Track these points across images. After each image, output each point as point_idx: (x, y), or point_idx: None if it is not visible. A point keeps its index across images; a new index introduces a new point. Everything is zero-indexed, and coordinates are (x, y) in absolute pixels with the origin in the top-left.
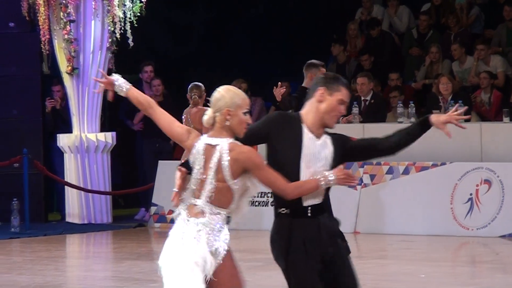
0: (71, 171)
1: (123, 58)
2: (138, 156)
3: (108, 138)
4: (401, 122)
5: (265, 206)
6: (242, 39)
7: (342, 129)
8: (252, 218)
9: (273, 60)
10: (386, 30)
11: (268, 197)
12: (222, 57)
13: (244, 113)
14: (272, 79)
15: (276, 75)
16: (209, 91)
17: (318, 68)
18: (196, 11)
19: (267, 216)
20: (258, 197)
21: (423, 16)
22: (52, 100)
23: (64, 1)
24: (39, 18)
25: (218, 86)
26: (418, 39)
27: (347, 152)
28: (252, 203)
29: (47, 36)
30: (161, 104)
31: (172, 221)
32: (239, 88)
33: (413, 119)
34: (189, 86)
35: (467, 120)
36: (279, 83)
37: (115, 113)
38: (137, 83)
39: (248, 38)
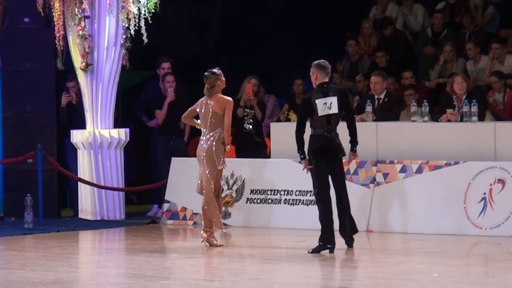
0: (85, 167)
1: (140, 53)
2: (152, 152)
3: (122, 134)
4: (414, 121)
5: (278, 203)
6: (258, 35)
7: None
8: (263, 216)
9: (287, 57)
10: (400, 29)
11: (280, 194)
12: (238, 52)
13: None
14: (286, 76)
15: (290, 72)
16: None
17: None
18: (215, 6)
19: (279, 213)
20: (270, 194)
21: (438, 15)
22: (68, 95)
23: None
24: (54, 13)
25: (233, 81)
26: (432, 37)
27: None
28: (265, 201)
29: (62, 32)
30: (175, 101)
31: (184, 218)
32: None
33: (426, 118)
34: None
35: (481, 119)
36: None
37: (129, 109)
38: (154, 79)
39: (264, 34)
